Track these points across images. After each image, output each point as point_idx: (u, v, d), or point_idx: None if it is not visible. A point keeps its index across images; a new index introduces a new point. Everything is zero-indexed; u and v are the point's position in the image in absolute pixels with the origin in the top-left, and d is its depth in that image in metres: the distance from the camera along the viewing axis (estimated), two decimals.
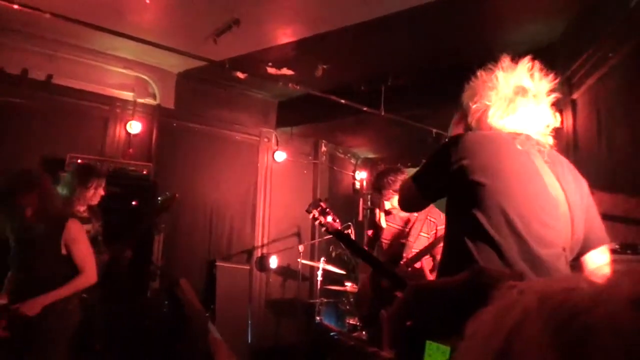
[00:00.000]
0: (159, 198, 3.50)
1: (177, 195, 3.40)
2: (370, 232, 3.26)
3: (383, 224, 3.12)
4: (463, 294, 0.46)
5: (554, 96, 1.59)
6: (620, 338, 0.31)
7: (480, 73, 1.59)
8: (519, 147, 1.48)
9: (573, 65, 3.48)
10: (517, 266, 1.38)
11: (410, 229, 3.04)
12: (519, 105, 1.53)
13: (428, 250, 2.92)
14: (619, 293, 0.33)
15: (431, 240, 2.98)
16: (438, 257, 2.89)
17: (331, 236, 2.56)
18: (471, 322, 0.37)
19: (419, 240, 3.00)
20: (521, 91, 1.54)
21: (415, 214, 3.03)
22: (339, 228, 2.58)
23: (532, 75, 1.56)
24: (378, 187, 3.13)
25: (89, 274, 2.67)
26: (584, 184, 1.58)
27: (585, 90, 3.39)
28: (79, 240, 2.68)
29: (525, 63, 1.56)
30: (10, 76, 4.25)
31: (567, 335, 0.33)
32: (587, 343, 0.32)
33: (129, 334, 3.70)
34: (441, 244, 1.66)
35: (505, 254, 1.39)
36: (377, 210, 3.19)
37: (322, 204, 2.64)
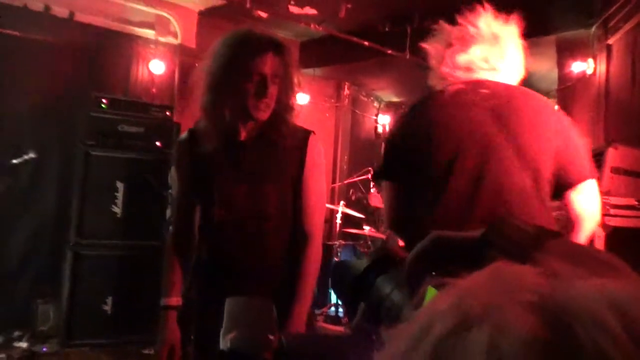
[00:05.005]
0: None
1: None
2: None
3: None
4: (474, 252, 0.43)
5: (512, 34, 1.60)
6: None
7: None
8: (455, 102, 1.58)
9: (610, 9, 3.31)
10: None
11: None
12: (459, 54, 1.61)
13: None
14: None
15: None
16: None
17: (351, 180, 2.53)
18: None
19: None
20: (460, 39, 1.60)
21: None
22: None
23: (473, 23, 1.59)
24: None
25: None
26: (551, 122, 1.52)
27: (622, 35, 3.24)
28: None
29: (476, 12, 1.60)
30: (33, 12, 4.23)
31: None
32: None
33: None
34: None
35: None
36: None
37: None
